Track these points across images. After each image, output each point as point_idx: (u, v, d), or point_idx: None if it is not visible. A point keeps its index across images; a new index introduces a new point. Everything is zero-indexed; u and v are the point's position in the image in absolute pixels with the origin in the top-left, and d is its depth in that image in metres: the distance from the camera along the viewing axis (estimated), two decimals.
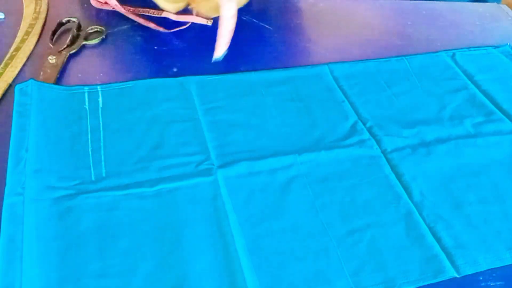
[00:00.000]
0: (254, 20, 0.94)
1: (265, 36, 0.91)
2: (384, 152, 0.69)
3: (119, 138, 0.66)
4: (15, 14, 0.87)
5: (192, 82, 0.77)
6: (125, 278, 0.51)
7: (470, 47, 0.93)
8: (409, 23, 1.00)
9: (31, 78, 0.71)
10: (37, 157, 0.61)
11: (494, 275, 0.55)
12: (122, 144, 0.65)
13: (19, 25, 0.84)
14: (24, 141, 0.62)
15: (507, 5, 1.09)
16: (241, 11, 0.94)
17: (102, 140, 0.65)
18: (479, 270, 0.56)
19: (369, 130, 0.72)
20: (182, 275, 0.52)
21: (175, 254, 0.54)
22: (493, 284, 0.54)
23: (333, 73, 0.83)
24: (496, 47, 0.94)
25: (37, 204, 0.56)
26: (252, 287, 0.51)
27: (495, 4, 1.12)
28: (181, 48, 0.86)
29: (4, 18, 0.86)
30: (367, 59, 0.87)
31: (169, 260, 0.53)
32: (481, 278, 0.55)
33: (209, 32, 0.91)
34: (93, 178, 0.60)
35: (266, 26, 0.93)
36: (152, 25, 0.87)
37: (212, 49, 0.77)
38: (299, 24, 0.96)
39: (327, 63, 0.85)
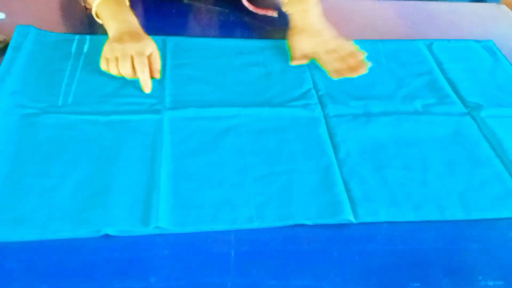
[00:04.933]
0: (254, 20, 0.95)
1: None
2: (326, 116, 0.74)
3: (92, 77, 0.76)
4: (16, 14, 0.87)
5: (172, 40, 0.86)
6: (61, 179, 0.60)
7: (450, 39, 0.95)
8: (409, 23, 1.00)
9: (31, 25, 0.83)
10: (17, 82, 0.72)
11: (493, 274, 0.56)
12: (93, 82, 0.75)
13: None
14: (11, 68, 0.74)
15: (507, 5, 1.09)
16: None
17: (77, 77, 0.76)
18: (377, 221, 0.60)
19: (320, 97, 0.77)
20: (107, 184, 0.60)
21: (107, 168, 0.62)
22: (493, 283, 0.55)
23: None
24: (478, 41, 0.96)
25: (6, 116, 0.67)
26: (164, 203, 0.58)
27: (495, 4, 1.12)
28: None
29: (5, 18, 0.86)
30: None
31: (100, 172, 0.62)
32: (480, 278, 0.56)
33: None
34: (59, 104, 0.71)
35: (267, 26, 0.93)
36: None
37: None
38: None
39: None
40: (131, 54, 0.73)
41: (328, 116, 0.74)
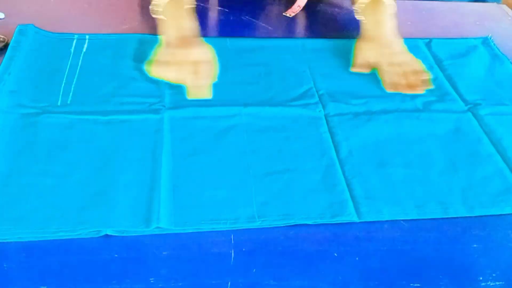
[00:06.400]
0: (254, 20, 0.95)
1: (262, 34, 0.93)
2: (326, 115, 0.74)
3: (92, 77, 0.76)
4: (16, 14, 0.87)
5: None
6: (61, 179, 0.60)
7: (448, 38, 0.95)
8: (408, 23, 1.00)
9: (31, 24, 0.83)
10: (16, 81, 0.72)
11: (494, 275, 0.56)
12: (92, 81, 0.75)
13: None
14: (10, 67, 0.74)
15: (507, 5, 1.09)
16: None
17: (76, 76, 0.75)
18: (381, 219, 0.60)
19: (320, 96, 0.77)
20: (107, 185, 0.60)
21: (107, 168, 0.62)
22: (493, 284, 0.55)
23: (305, 46, 0.88)
24: (476, 38, 0.96)
25: (5, 116, 0.67)
26: (165, 203, 0.58)
27: (495, 4, 1.12)
28: None
29: (4, 17, 0.86)
30: (341, 38, 0.91)
31: (100, 172, 0.62)
32: (481, 278, 0.56)
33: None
34: (59, 103, 0.71)
35: (268, 26, 0.93)
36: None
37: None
38: (298, 24, 0.96)
39: (302, 38, 0.90)
40: (187, 60, 0.73)
41: (329, 115, 0.74)
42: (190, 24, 0.79)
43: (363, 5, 0.85)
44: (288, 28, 0.95)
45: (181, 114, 0.71)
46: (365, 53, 0.82)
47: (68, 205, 0.57)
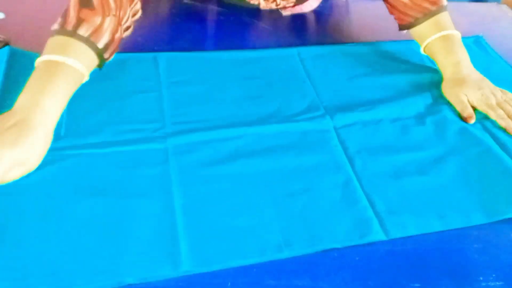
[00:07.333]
0: (254, 20, 0.95)
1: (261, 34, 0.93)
2: (335, 127, 0.72)
3: (84, 102, 0.68)
4: (16, 14, 0.87)
5: (163, 57, 0.81)
6: (61, 224, 0.55)
7: None
8: None
9: (8, 45, 0.77)
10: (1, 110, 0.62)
11: (494, 275, 0.56)
12: (86, 107, 0.68)
13: (19, 24, 0.84)
14: None
15: (507, 5, 1.09)
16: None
17: (67, 104, 0.64)
18: (407, 235, 0.59)
19: (325, 107, 0.75)
20: (117, 228, 0.55)
21: (114, 209, 0.57)
22: (493, 284, 0.55)
23: (300, 55, 0.87)
24: (469, 37, 0.95)
25: None
26: (186, 243, 0.54)
27: (495, 4, 1.12)
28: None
29: (4, 17, 0.86)
30: (335, 44, 0.91)
31: (108, 214, 0.56)
32: (481, 278, 0.56)
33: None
34: (53, 137, 0.62)
35: (265, 26, 0.93)
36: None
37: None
38: (297, 24, 0.96)
39: (296, 47, 0.88)
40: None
41: (337, 127, 0.72)
42: (48, 104, 0.60)
43: (432, 41, 0.82)
44: (288, 28, 0.95)
45: (185, 140, 0.66)
46: (464, 99, 0.77)
47: (76, 254, 0.52)
